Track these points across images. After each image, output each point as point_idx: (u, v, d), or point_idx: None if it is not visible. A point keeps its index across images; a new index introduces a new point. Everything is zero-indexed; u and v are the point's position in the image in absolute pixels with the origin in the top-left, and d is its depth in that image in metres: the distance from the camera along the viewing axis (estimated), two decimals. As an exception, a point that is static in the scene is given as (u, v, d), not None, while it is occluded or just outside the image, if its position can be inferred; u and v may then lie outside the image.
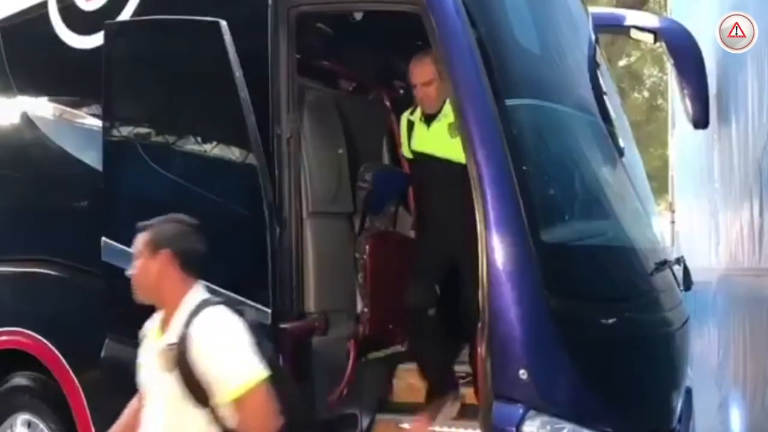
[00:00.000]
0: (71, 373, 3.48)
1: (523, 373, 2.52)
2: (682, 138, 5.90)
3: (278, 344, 2.85)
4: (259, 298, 2.82)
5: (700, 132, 4.86)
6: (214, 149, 3.04)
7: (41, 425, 3.64)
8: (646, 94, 11.46)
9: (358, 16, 3.13)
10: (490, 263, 2.57)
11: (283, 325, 2.88)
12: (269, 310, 2.81)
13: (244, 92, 2.84)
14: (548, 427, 2.54)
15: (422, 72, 3.17)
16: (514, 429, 2.52)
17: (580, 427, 2.58)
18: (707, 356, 4.96)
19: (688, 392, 3.69)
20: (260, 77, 2.94)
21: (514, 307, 2.54)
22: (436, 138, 3.17)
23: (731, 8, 4.49)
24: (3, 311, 3.84)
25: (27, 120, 3.73)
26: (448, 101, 2.99)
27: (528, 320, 2.54)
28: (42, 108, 3.72)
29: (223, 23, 2.88)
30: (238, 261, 2.93)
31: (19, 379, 3.71)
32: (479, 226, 2.61)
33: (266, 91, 2.94)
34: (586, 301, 2.67)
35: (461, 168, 2.72)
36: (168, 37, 3.05)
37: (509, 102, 2.70)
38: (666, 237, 7.00)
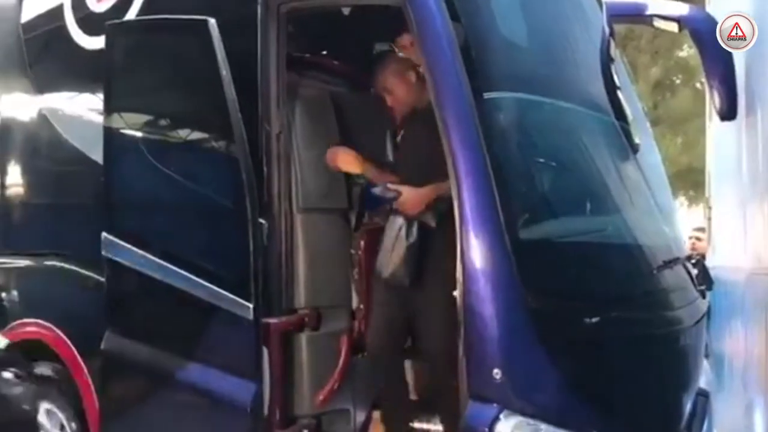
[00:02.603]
0: (82, 363, 3.60)
1: (497, 372, 2.46)
2: (718, 131, 5.66)
3: (261, 339, 2.90)
4: (240, 292, 2.85)
5: (733, 125, 4.64)
6: (202, 145, 3.09)
7: (59, 414, 3.78)
8: (698, 86, 11.05)
9: (346, 10, 3.12)
10: (466, 259, 2.52)
11: (266, 320, 2.91)
12: (251, 305, 2.84)
13: (230, 89, 2.88)
14: (523, 428, 2.47)
15: None
16: (486, 429, 2.47)
17: (559, 429, 2.51)
18: (735, 358, 4.75)
19: (704, 395, 3.54)
20: (250, 74, 2.97)
21: (488, 305, 2.48)
22: None
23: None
24: (26, 303, 4.01)
25: (44, 118, 3.88)
26: None
27: (502, 318, 2.48)
28: (59, 106, 3.87)
29: (212, 21, 2.92)
30: (222, 255, 2.98)
31: (41, 369, 3.86)
32: (457, 222, 2.57)
33: (256, 88, 2.97)
34: (567, 299, 2.58)
35: None
36: (160, 36, 3.11)
37: (490, 97, 2.63)
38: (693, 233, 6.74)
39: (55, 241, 3.81)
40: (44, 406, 3.85)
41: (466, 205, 2.53)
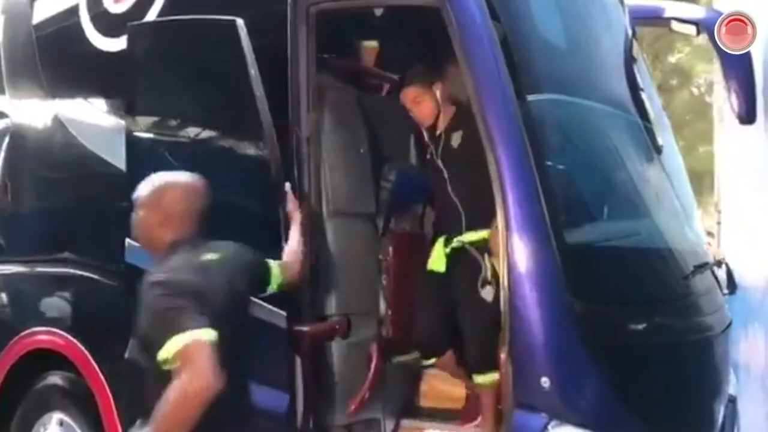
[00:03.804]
0: (99, 373, 3.50)
1: (545, 381, 2.41)
2: (730, 134, 5.66)
3: (294, 347, 2.82)
4: (273, 299, 2.78)
5: (749, 127, 4.64)
6: (232, 148, 3.02)
7: (73, 425, 3.68)
8: (695, 91, 11.10)
9: (379, 12, 3.06)
10: (511, 265, 2.47)
11: (299, 328, 2.84)
12: (284, 313, 2.77)
13: (259, 91, 2.81)
14: (572, 438, 2.42)
15: None
16: (535, 439, 2.42)
17: (607, 438, 2.46)
18: (755, 363, 4.74)
19: (732, 401, 3.51)
20: (280, 76, 2.91)
21: (535, 311, 2.43)
22: None
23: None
24: (38, 311, 3.91)
25: (58, 122, 3.78)
26: None
27: (550, 325, 2.43)
28: (73, 110, 3.77)
29: (240, 22, 2.85)
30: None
31: (54, 379, 3.76)
32: (500, 227, 2.52)
33: (286, 91, 2.91)
34: (613, 305, 2.54)
35: None
36: (186, 37, 3.03)
37: (531, 98, 2.59)
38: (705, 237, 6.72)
39: (70, 248, 3.71)
40: (57, 416, 3.76)
41: (511, 210, 2.47)
